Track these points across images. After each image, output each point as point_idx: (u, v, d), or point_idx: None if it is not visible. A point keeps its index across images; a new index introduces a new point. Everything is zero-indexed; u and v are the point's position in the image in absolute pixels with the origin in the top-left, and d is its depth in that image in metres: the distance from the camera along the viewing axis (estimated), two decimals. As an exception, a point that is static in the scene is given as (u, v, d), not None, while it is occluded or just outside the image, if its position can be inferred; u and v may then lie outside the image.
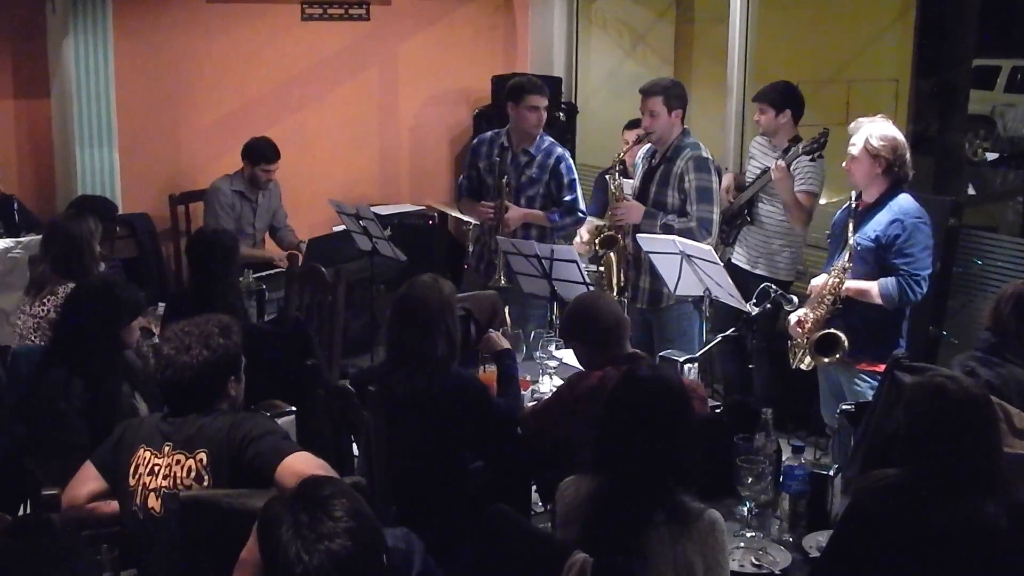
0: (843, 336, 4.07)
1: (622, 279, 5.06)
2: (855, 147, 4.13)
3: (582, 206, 5.32)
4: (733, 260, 5.42)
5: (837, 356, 4.10)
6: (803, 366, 4.29)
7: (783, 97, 5.32)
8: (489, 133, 5.48)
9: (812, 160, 5.04)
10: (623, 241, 5.04)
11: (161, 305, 4.97)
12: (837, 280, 4.12)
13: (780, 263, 5.32)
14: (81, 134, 6.29)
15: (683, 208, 4.84)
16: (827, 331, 4.12)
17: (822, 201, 6.21)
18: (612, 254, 5.06)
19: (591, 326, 3.52)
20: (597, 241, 5.12)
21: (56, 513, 2.94)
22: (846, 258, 4.10)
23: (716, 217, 4.85)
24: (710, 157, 4.91)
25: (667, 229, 4.79)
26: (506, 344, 3.90)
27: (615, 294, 4.97)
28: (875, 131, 4.11)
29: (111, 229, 4.95)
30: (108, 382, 3.55)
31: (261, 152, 6.26)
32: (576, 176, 5.32)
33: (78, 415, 3.45)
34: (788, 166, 4.99)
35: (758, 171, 5.36)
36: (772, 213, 5.30)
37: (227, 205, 6.23)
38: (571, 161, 5.33)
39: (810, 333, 4.19)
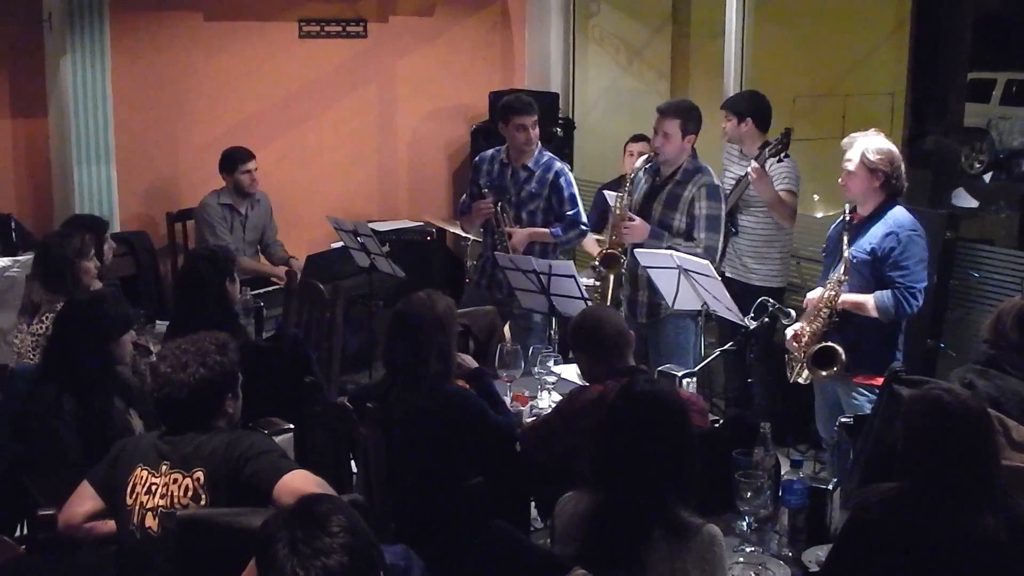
0: (840, 349, 4.07)
1: (619, 296, 5.07)
2: (851, 162, 4.13)
3: (584, 219, 5.34)
4: (727, 274, 5.43)
5: (835, 369, 4.10)
6: (801, 380, 4.29)
7: (745, 105, 5.36)
8: (490, 151, 5.50)
9: (779, 160, 5.07)
10: (623, 258, 5.03)
11: (159, 323, 4.97)
12: (833, 293, 4.13)
13: (769, 272, 5.33)
14: (78, 152, 6.29)
15: (689, 232, 4.82)
16: (824, 344, 4.12)
17: (818, 214, 6.24)
18: (611, 275, 5.02)
19: (594, 337, 3.54)
20: (599, 259, 5.09)
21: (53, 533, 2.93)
22: (841, 271, 4.11)
23: (720, 245, 4.86)
24: (720, 185, 4.93)
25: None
26: (474, 364, 3.87)
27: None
28: (871, 145, 4.12)
29: (100, 246, 4.92)
30: (100, 398, 3.55)
31: (234, 157, 6.27)
32: (576, 190, 5.33)
33: (70, 431, 3.45)
34: (761, 167, 5.03)
35: (732, 182, 5.39)
36: (753, 224, 5.32)
37: (219, 218, 6.25)
38: (570, 175, 5.35)
39: (807, 347, 4.19)
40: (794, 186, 5.19)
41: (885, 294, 4.07)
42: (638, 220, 4.88)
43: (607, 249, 5.03)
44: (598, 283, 5.12)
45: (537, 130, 5.28)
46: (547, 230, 5.27)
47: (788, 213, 5.19)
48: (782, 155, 5.04)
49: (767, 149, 5.04)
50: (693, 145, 4.91)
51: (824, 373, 4.13)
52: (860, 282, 4.13)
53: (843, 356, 4.07)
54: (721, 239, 4.87)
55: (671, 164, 4.90)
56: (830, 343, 4.12)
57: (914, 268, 4.07)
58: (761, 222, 5.30)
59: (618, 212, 4.96)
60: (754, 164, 5.01)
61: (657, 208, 4.90)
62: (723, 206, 4.88)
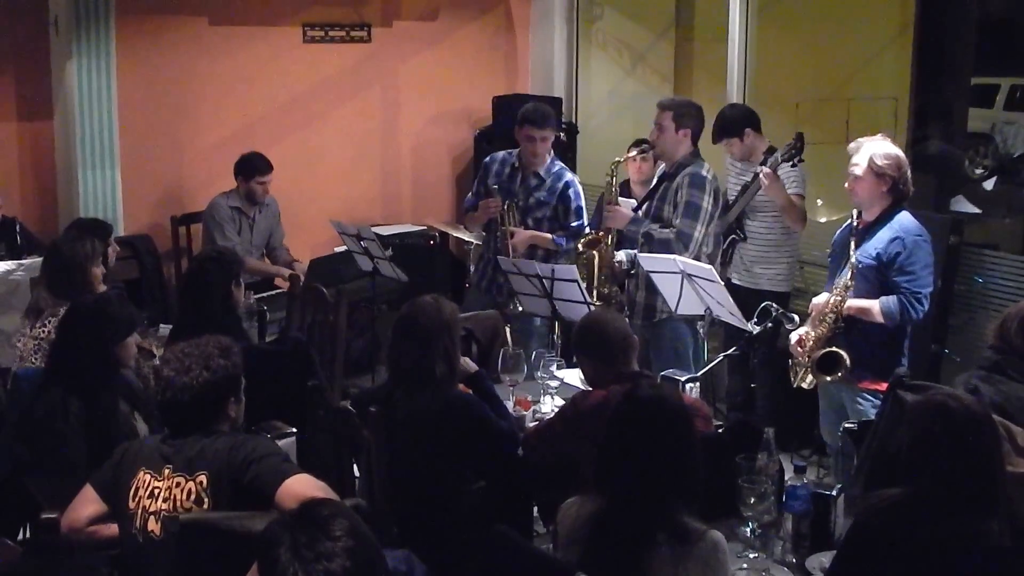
0: (845, 354, 4.07)
1: (614, 290, 5.08)
2: (858, 167, 4.12)
3: (587, 232, 5.33)
4: (733, 280, 5.44)
5: (839, 374, 4.09)
6: (805, 384, 4.29)
7: (736, 122, 5.36)
8: (502, 153, 5.48)
9: (793, 166, 5.08)
10: (606, 242, 5.07)
11: (163, 326, 4.97)
12: (839, 299, 4.12)
13: (776, 276, 5.34)
14: (83, 155, 6.30)
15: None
16: (829, 349, 4.12)
17: (822, 219, 6.24)
18: (595, 256, 5.08)
19: (599, 342, 3.54)
20: (581, 242, 5.17)
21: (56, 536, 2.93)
22: (848, 276, 4.10)
23: (698, 235, 4.83)
24: (709, 177, 4.91)
25: (648, 237, 4.85)
26: (474, 367, 3.87)
27: (595, 295, 4.98)
28: (878, 150, 4.12)
29: (105, 250, 4.92)
30: (105, 400, 3.55)
31: (253, 165, 6.30)
32: (583, 203, 5.35)
33: (76, 434, 3.45)
34: (774, 172, 5.04)
35: (737, 188, 5.39)
36: (760, 229, 5.33)
37: (228, 219, 6.26)
38: (580, 188, 5.36)
39: (812, 351, 4.18)
40: (803, 189, 5.21)
41: (891, 299, 4.06)
42: (620, 207, 4.99)
43: (589, 235, 5.13)
44: (583, 266, 5.13)
45: (547, 144, 5.26)
46: (549, 236, 5.28)
47: (799, 216, 5.21)
48: (795, 160, 5.05)
49: (779, 154, 5.05)
50: (695, 142, 4.92)
51: (828, 378, 4.13)
52: (866, 287, 4.12)
53: (847, 361, 4.06)
54: (700, 228, 4.83)
55: (669, 159, 4.94)
56: (835, 348, 4.11)
57: (920, 273, 4.06)
58: (769, 227, 5.31)
59: (605, 198, 5.06)
60: (766, 170, 5.01)
61: (655, 203, 4.98)
62: (706, 197, 4.85)
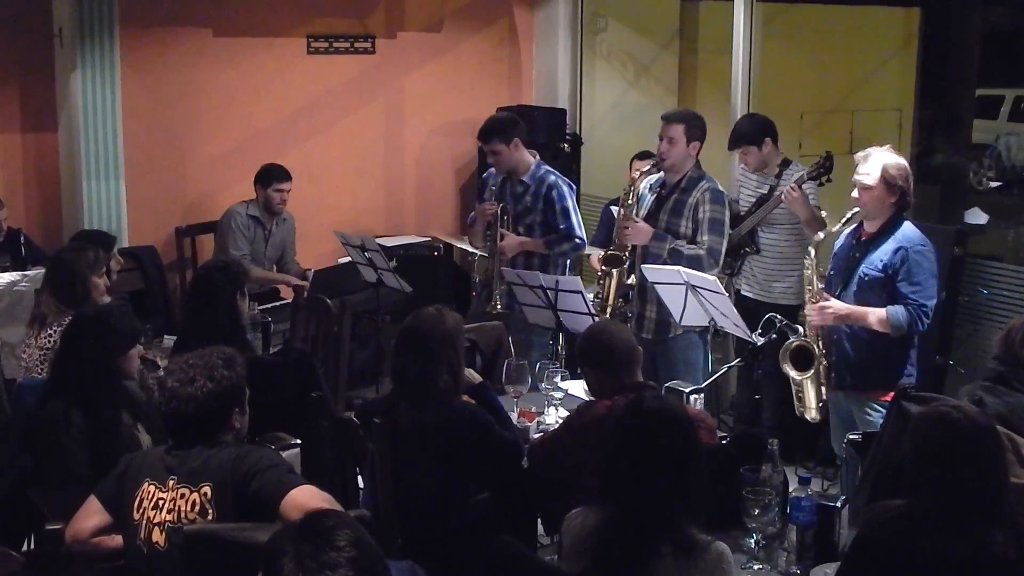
0: (816, 350, 4.11)
1: (619, 303, 5.06)
2: (869, 176, 4.11)
3: (579, 232, 5.29)
4: (742, 292, 5.44)
5: (810, 373, 4.12)
6: (808, 418, 4.36)
7: (757, 131, 5.37)
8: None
9: (820, 184, 5.13)
10: (625, 258, 5.03)
11: (167, 338, 4.98)
12: (814, 316, 4.19)
13: (786, 290, 5.35)
14: (88, 167, 6.32)
15: (694, 238, 4.83)
16: (801, 342, 4.15)
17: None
18: (613, 274, 5.04)
19: (604, 353, 3.54)
20: (602, 259, 5.13)
21: (60, 548, 2.93)
22: (822, 286, 4.17)
23: (723, 249, 4.87)
24: (724, 191, 4.93)
25: (675, 254, 4.79)
26: (478, 378, 3.86)
27: (607, 315, 4.94)
28: (890, 160, 4.12)
29: (107, 261, 4.93)
30: (107, 411, 3.55)
31: (271, 173, 6.35)
32: (570, 204, 5.29)
33: (79, 446, 3.45)
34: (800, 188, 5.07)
35: (751, 200, 5.40)
36: (774, 242, 5.34)
37: (243, 227, 6.28)
38: (564, 188, 5.29)
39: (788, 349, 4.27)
40: (819, 202, 5.25)
41: (898, 310, 4.05)
42: (640, 222, 4.90)
43: (610, 250, 5.05)
44: (600, 285, 5.10)
45: (500, 157, 5.25)
46: (540, 240, 5.27)
47: (820, 227, 5.25)
48: (823, 179, 5.08)
49: (806, 172, 5.08)
50: (698, 156, 4.92)
51: (797, 376, 4.17)
52: (872, 299, 4.13)
53: (820, 358, 4.10)
54: (725, 242, 4.87)
55: (676, 172, 4.90)
56: (805, 341, 4.17)
57: (925, 284, 4.06)
58: (783, 240, 5.34)
59: (621, 215, 4.99)
60: (792, 187, 5.04)
61: (663, 217, 4.92)
62: (727, 211, 4.89)
